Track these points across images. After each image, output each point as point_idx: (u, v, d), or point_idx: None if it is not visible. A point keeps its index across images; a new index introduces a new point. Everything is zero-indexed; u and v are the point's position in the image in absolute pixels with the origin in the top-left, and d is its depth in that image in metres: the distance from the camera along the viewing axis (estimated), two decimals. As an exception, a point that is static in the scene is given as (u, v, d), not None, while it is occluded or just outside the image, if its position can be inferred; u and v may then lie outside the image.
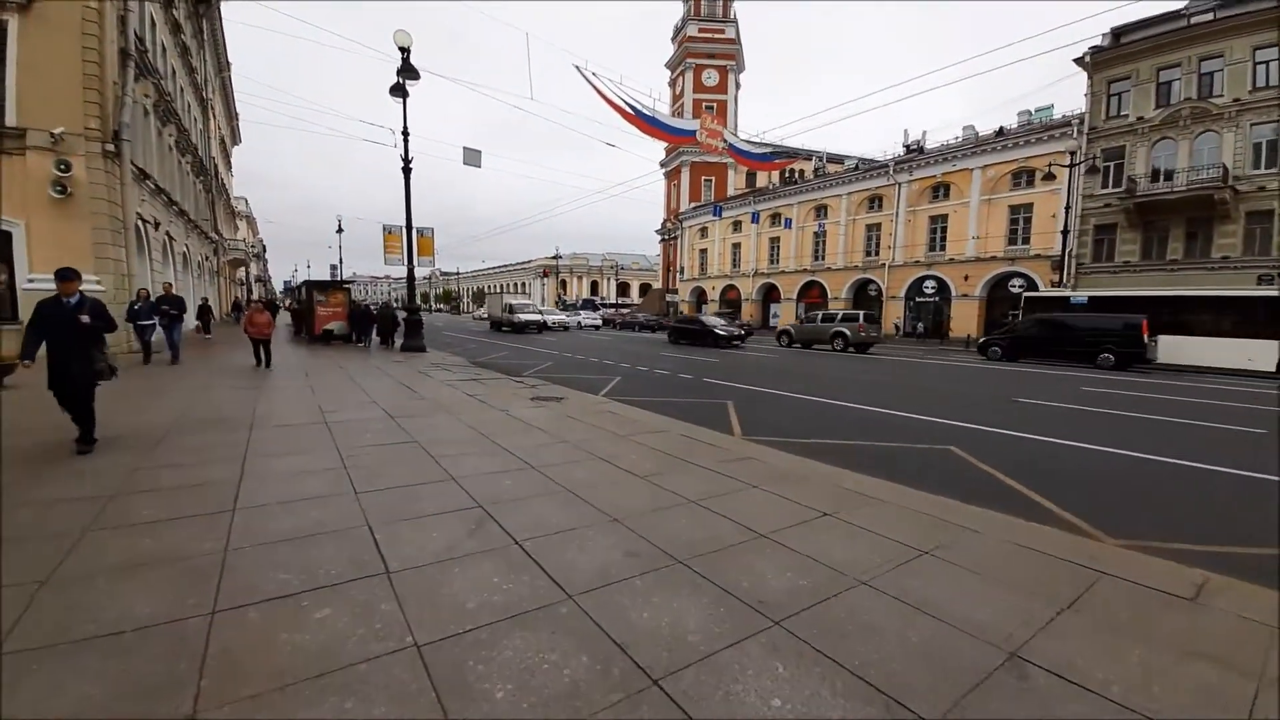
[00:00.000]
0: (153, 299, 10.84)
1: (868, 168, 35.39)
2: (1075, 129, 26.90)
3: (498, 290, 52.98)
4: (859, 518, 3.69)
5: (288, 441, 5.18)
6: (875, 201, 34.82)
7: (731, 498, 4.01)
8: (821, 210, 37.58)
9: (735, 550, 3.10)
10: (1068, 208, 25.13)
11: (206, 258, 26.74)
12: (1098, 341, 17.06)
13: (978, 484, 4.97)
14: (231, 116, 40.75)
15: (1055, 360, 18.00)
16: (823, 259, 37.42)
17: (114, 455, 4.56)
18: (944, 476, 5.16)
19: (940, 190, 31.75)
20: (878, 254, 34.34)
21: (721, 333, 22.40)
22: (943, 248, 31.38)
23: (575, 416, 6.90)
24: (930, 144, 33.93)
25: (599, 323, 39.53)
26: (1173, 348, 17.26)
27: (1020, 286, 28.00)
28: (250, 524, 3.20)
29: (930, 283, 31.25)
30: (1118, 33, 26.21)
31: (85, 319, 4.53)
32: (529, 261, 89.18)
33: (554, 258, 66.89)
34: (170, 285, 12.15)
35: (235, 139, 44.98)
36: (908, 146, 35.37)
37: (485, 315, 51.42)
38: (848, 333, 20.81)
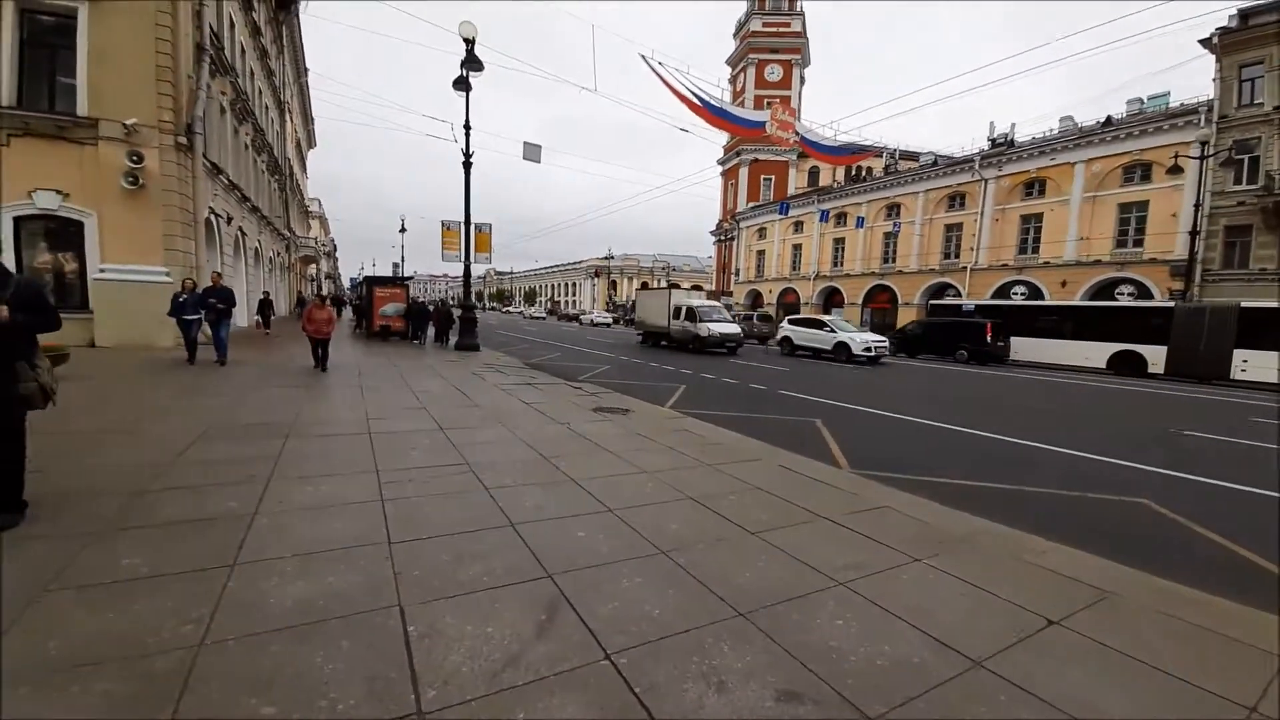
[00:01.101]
0: (199, 290, 9.75)
1: (949, 163, 32.57)
2: (1203, 117, 23.50)
3: (659, 285, 36.99)
4: (1103, 630, 2.45)
5: (323, 458, 4.44)
6: (956, 200, 32.02)
7: (891, 579, 2.86)
8: (893, 209, 35.03)
9: (950, 695, 1.96)
10: (1196, 205, 21.88)
11: (278, 254, 27.75)
12: (958, 341, 20.74)
13: (1202, 555, 3.57)
14: (308, 120, 42.70)
15: (930, 355, 21.90)
16: (893, 261, 34.85)
17: (122, 471, 3.93)
18: (1151, 543, 3.79)
19: (1034, 187, 28.72)
20: (957, 256, 31.53)
21: None
22: (1036, 250, 28.32)
23: (648, 435, 5.89)
24: (1020, 137, 30.80)
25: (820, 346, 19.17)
26: (1022, 347, 20.42)
27: (1131, 295, 24.78)
28: (248, 592, 2.35)
29: (1020, 289, 28.30)
30: (1245, 15, 22.81)
31: (3, 311, 2.73)
32: (581, 261, 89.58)
33: (606, 258, 66.67)
34: (219, 275, 10.51)
35: (311, 143, 47.25)
36: (993, 140, 32.29)
37: (629, 317, 43.30)
38: (747, 329, 26.76)
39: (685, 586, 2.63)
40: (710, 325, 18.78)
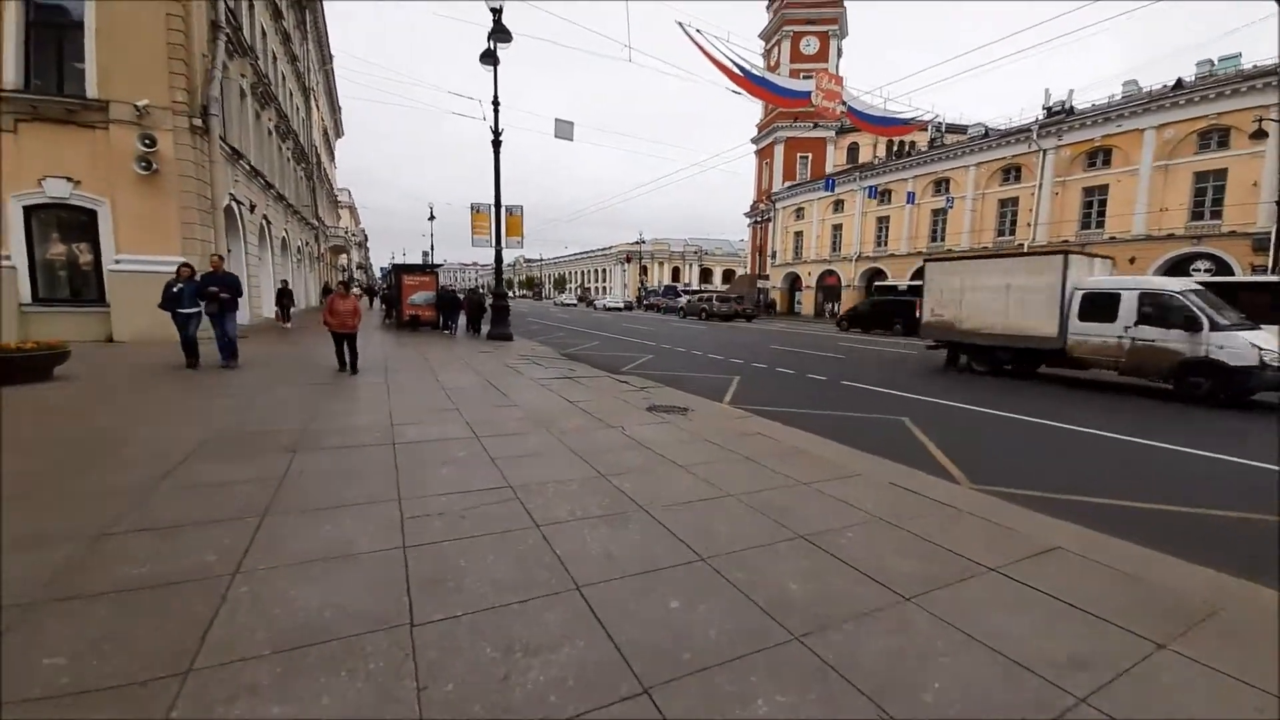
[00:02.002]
0: (198, 277, 8.17)
1: (1003, 133, 30.25)
2: (1280, 78, 20.95)
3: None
4: None
5: (335, 481, 3.66)
6: (1011, 173, 29.77)
7: (1149, 684, 1.88)
8: (941, 185, 32.92)
9: None
10: (1283, 173, 19.55)
11: (307, 243, 27.57)
12: (894, 316, 23.59)
13: None
14: (335, 108, 42.52)
15: (879, 330, 24.50)
16: (942, 240, 32.78)
17: (90, 500, 3.22)
18: None
19: (1098, 156, 26.38)
20: (1013, 233, 29.37)
21: None
22: (1100, 225, 26.08)
23: (717, 442, 4.97)
24: (1078, 104, 28.24)
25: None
26: None
27: (1208, 270, 22.52)
28: (198, 731, 1.54)
29: (1083, 267, 26.14)
30: (1311, -32, 20.09)
31: None
32: (611, 247, 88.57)
33: (637, 243, 65.52)
34: (220, 259, 8.70)
35: (339, 131, 47.20)
36: (1049, 109, 29.77)
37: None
38: (707, 307, 32.45)
39: (852, 708, 1.72)
40: (1244, 337, 8.15)
